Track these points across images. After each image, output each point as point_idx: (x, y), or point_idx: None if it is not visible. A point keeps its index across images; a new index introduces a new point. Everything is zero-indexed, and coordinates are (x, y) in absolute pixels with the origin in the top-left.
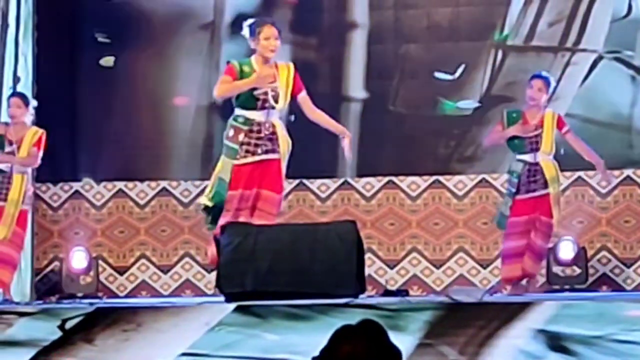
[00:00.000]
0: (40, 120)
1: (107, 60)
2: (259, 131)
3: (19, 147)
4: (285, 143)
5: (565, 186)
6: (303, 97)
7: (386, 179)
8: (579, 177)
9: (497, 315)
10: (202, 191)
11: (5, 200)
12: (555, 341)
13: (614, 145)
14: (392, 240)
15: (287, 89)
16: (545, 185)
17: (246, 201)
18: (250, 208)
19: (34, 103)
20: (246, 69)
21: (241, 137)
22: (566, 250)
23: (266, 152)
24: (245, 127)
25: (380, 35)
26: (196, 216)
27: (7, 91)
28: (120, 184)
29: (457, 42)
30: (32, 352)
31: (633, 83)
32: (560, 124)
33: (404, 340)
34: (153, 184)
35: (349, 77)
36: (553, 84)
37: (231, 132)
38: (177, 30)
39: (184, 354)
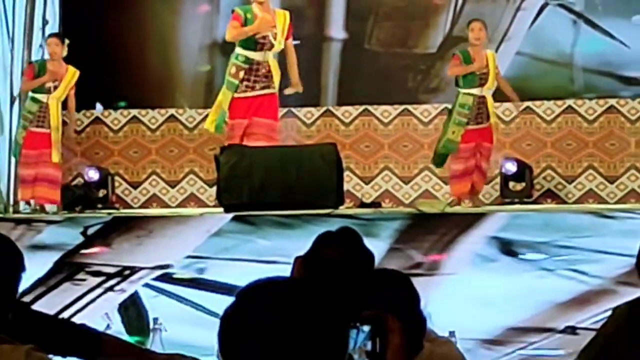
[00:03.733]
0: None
1: None
2: (257, 70)
3: (59, 82)
4: (278, 78)
5: (516, 114)
6: (290, 43)
7: (362, 107)
8: (527, 106)
9: (457, 224)
10: (205, 117)
11: (48, 127)
12: (506, 246)
13: (557, 79)
14: (367, 160)
15: (282, 34)
16: (488, 117)
17: (242, 128)
18: (247, 134)
19: (67, 41)
20: (249, 15)
21: (242, 74)
22: (511, 169)
23: (263, 88)
24: (246, 66)
25: None
26: (199, 139)
27: (37, 32)
28: (134, 111)
29: None
30: (58, 254)
31: (574, 26)
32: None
33: (376, 245)
34: (162, 111)
35: (331, 20)
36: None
37: (233, 70)
38: None
39: (188, 257)
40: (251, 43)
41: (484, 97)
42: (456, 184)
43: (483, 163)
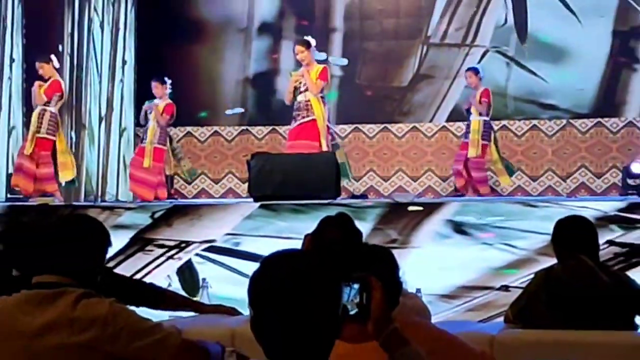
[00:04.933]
0: (137, 88)
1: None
2: (299, 106)
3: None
4: (318, 109)
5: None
6: (315, 83)
7: (354, 125)
8: None
9: (422, 211)
10: (240, 133)
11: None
12: (458, 227)
13: (495, 105)
14: (357, 164)
15: (315, 79)
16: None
17: (292, 148)
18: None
19: (169, 81)
20: (293, 73)
21: (294, 112)
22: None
23: (303, 117)
24: (295, 106)
25: (350, 36)
26: (236, 148)
27: (118, 70)
28: (189, 128)
29: (398, 40)
30: (133, 232)
31: (507, 67)
32: (481, 96)
33: (364, 226)
34: (209, 127)
35: (331, 62)
36: (480, 70)
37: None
38: (224, 32)
39: (228, 234)
40: (296, 92)
41: (470, 121)
42: (457, 179)
43: (468, 164)
